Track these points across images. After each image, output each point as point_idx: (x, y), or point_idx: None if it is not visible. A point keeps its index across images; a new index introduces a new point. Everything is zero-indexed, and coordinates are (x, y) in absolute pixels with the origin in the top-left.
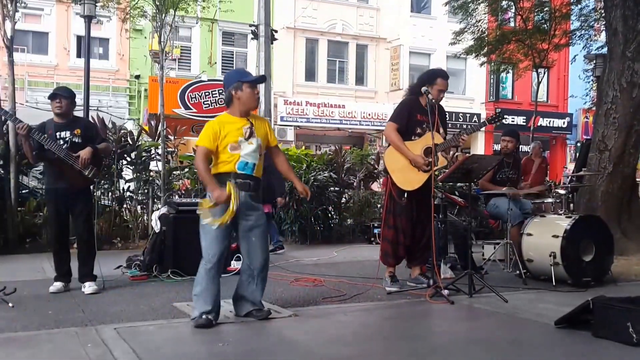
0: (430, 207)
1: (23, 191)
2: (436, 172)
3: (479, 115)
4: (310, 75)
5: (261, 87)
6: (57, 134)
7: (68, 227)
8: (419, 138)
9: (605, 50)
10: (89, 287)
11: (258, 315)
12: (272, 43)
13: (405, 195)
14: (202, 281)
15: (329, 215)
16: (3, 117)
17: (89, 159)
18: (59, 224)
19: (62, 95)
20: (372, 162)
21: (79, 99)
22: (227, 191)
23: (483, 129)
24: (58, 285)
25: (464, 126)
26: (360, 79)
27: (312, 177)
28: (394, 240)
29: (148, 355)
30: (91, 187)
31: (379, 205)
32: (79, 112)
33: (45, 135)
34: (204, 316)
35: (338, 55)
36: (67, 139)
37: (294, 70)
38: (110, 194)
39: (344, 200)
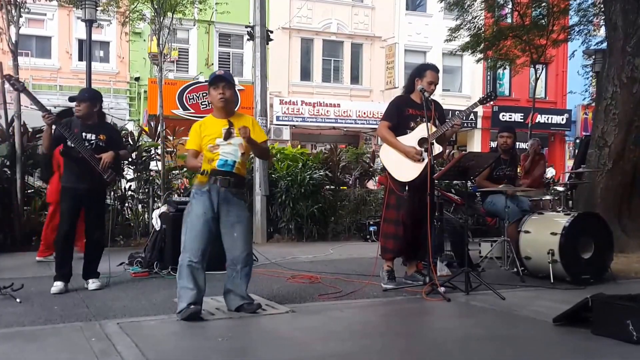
0: (429, 205)
1: (29, 191)
2: (438, 168)
3: (475, 112)
4: (306, 74)
5: (257, 87)
6: (83, 134)
7: (76, 227)
8: (412, 131)
9: (604, 45)
10: (92, 284)
11: (248, 309)
12: (267, 43)
13: (407, 188)
14: (186, 275)
15: (325, 213)
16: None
17: (110, 163)
18: (70, 224)
19: (80, 99)
20: (367, 161)
21: None
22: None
23: (480, 126)
24: (59, 285)
25: (456, 112)
26: (355, 78)
27: (308, 176)
28: (394, 234)
29: (150, 348)
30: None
31: (374, 203)
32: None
33: (74, 132)
34: (191, 307)
35: (333, 55)
36: (93, 141)
37: (290, 70)
38: (112, 193)
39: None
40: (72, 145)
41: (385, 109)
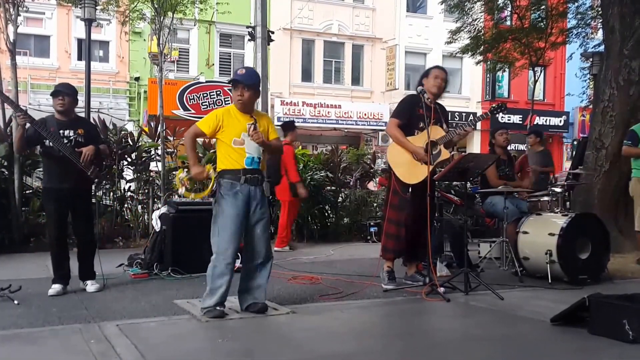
0: (429, 205)
1: (27, 191)
2: (439, 168)
3: (475, 114)
4: (307, 75)
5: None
6: (60, 132)
7: (67, 228)
8: (421, 132)
9: (602, 48)
10: (91, 285)
11: (255, 308)
12: (268, 44)
13: (410, 190)
14: (219, 275)
15: (326, 214)
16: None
17: (91, 156)
18: (60, 225)
19: (65, 93)
20: (368, 162)
21: (81, 101)
22: (206, 170)
23: (479, 127)
24: (57, 287)
25: (464, 121)
26: (356, 79)
27: (309, 177)
28: (396, 234)
29: (149, 350)
30: (92, 186)
31: (375, 204)
32: (80, 114)
33: (50, 131)
34: (217, 308)
35: (334, 56)
36: (72, 138)
37: (291, 70)
38: (111, 194)
39: (340, 199)
40: (51, 144)
41: (397, 106)
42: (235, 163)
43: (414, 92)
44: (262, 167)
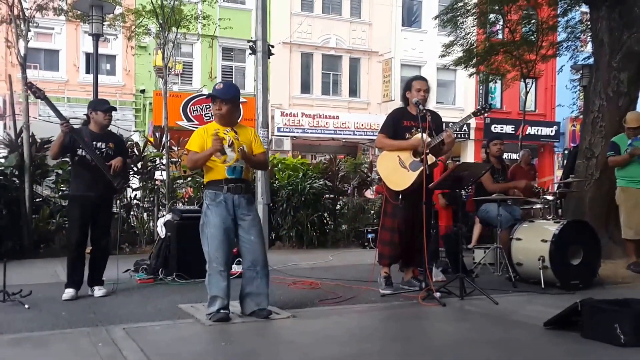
0: (424, 213)
1: (37, 200)
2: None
3: (468, 124)
4: (306, 87)
5: (259, 100)
6: (93, 143)
7: (88, 235)
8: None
9: (591, 60)
10: (98, 291)
11: (260, 314)
12: (269, 58)
13: (400, 197)
14: (216, 282)
15: (325, 221)
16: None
17: (120, 168)
18: (82, 232)
19: (114, 109)
20: (365, 171)
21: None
22: (217, 140)
23: (472, 138)
24: (71, 292)
25: (450, 124)
26: (353, 91)
27: (308, 185)
28: (390, 241)
29: (155, 353)
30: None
31: (372, 212)
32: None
33: (85, 142)
34: (221, 311)
35: (332, 69)
36: (103, 150)
37: (290, 83)
38: (118, 201)
39: (338, 206)
40: (85, 154)
41: (383, 122)
42: (218, 174)
43: (402, 105)
44: (246, 175)
